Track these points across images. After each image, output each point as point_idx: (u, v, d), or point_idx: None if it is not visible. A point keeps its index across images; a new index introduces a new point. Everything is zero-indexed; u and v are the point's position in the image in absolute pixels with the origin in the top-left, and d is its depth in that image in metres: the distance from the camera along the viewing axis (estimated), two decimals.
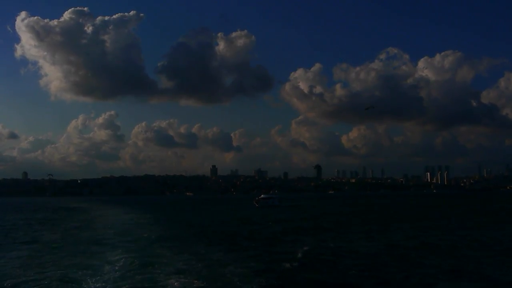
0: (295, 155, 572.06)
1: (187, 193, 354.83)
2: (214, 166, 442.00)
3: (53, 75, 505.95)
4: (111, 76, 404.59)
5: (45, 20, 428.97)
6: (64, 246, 29.87)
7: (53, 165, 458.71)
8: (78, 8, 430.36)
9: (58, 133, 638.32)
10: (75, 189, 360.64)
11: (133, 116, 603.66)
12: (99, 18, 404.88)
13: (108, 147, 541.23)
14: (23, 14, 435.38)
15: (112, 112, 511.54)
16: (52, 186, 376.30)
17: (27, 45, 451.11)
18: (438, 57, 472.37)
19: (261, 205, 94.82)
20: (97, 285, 17.48)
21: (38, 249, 28.33)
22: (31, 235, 38.15)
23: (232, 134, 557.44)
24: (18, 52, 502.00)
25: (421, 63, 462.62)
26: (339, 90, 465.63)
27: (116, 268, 20.81)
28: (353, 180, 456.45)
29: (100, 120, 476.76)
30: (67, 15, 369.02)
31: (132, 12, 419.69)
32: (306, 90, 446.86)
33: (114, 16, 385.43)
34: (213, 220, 55.47)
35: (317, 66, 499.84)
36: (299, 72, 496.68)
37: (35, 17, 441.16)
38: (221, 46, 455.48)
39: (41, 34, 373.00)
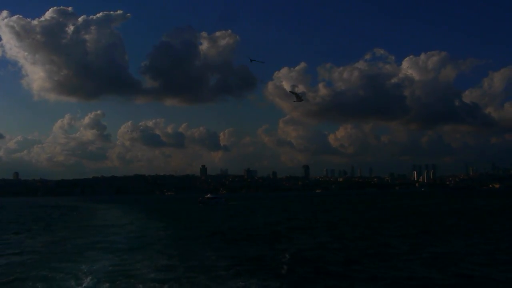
0: (283, 155, 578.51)
1: (168, 193, 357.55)
2: (203, 166, 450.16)
3: (35, 75, 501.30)
4: (93, 76, 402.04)
5: (27, 20, 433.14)
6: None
7: (41, 165, 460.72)
8: (60, 7, 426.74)
9: (44, 133, 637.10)
10: (66, 189, 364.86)
11: (119, 116, 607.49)
12: (82, 17, 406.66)
13: (94, 147, 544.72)
14: (4, 13, 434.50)
15: (99, 112, 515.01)
16: (43, 187, 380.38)
17: (8, 44, 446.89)
18: (423, 56, 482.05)
19: (204, 204, 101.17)
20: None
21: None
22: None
23: (221, 134, 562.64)
24: None
25: (405, 63, 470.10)
26: (322, 89, 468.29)
27: None
28: (341, 179, 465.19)
29: (86, 120, 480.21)
30: (48, 14, 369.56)
31: (118, 11, 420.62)
32: (288, 89, 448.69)
33: (97, 15, 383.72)
34: None
35: (302, 65, 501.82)
36: (283, 71, 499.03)
37: (16, 16, 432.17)
38: (204, 45, 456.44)
39: (21, 34, 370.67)
